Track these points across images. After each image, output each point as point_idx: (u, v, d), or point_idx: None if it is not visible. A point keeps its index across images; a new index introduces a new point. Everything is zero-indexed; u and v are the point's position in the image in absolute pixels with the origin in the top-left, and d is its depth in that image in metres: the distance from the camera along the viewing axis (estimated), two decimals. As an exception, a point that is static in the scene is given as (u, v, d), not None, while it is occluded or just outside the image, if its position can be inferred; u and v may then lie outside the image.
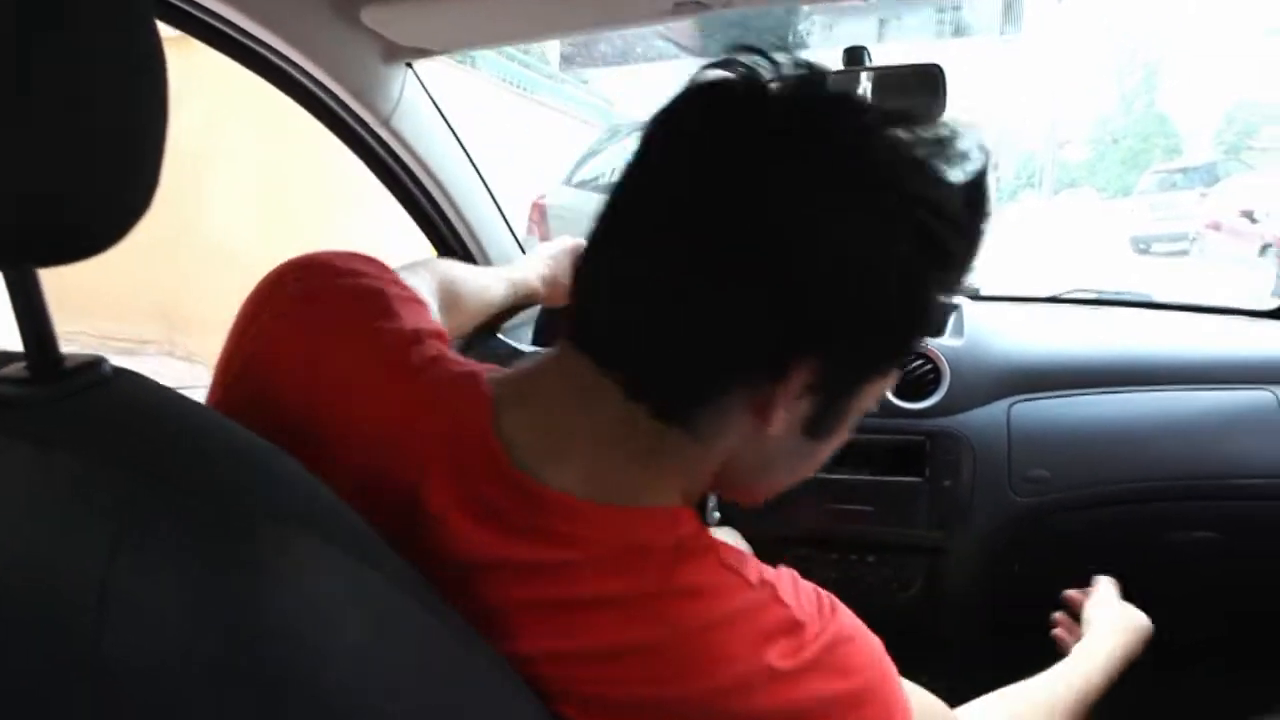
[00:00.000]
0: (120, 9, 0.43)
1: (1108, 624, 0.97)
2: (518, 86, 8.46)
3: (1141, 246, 12.46)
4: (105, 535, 0.39)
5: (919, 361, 1.45)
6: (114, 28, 0.42)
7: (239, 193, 6.49)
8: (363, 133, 1.36)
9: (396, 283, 0.66)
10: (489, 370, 0.60)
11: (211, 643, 0.39)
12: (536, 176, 5.67)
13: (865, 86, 1.23)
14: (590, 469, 0.54)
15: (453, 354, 0.62)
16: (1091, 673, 0.89)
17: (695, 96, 0.54)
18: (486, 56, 8.11)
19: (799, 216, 0.48)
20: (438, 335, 0.63)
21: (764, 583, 0.55)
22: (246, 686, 0.39)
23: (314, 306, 0.62)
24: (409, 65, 1.37)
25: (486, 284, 1.16)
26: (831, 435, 0.58)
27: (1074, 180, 23.57)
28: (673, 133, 0.54)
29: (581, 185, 5.59)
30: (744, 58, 0.53)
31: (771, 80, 0.52)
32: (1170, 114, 23.84)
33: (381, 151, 1.38)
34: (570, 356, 0.56)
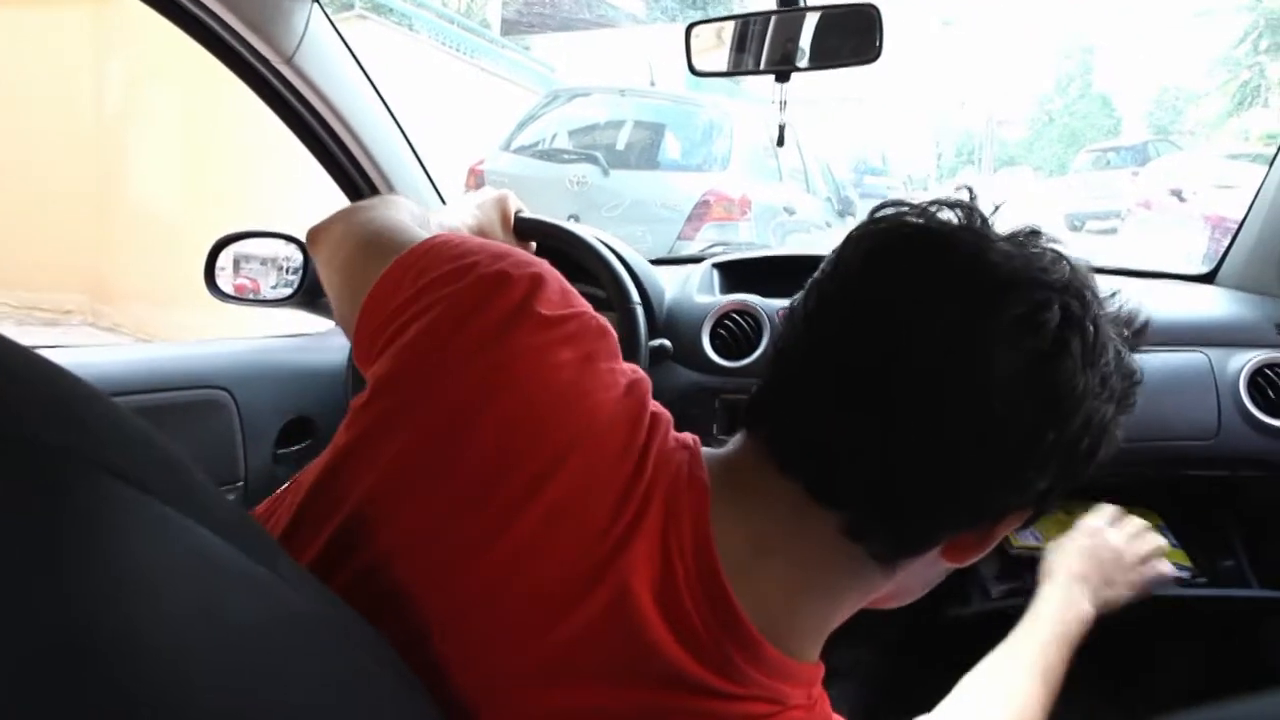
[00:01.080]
0: None
1: (1054, 594, 0.95)
2: (458, 50, 8.25)
3: (1076, 224, 12.72)
4: None
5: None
6: None
7: (164, 155, 6.24)
8: (264, 71, 1.26)
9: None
10: (695, 443, 0.59)
11: (10, 589, 0.35)
12: (476, 141, 5.55)
13: (805, 26, 1.17)
14: (779, 604, 0.55)
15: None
16: (1043, 644, 0.88)
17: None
18: (426, 19, 7.90)
19: (1056, 396, 0.52)
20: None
21: None
22: (48, 655, 0.35)
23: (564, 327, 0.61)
24: (315, 1, 1.27)
25: (415, 236, 1.07)
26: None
27: (1012, 158, 24.01)
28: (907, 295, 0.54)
29: (520, 151, 5.49)
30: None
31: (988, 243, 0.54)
32: (1106, 95, 24.38)
33: (285, 91, 1.29)
34: (775, 471, 0.55)
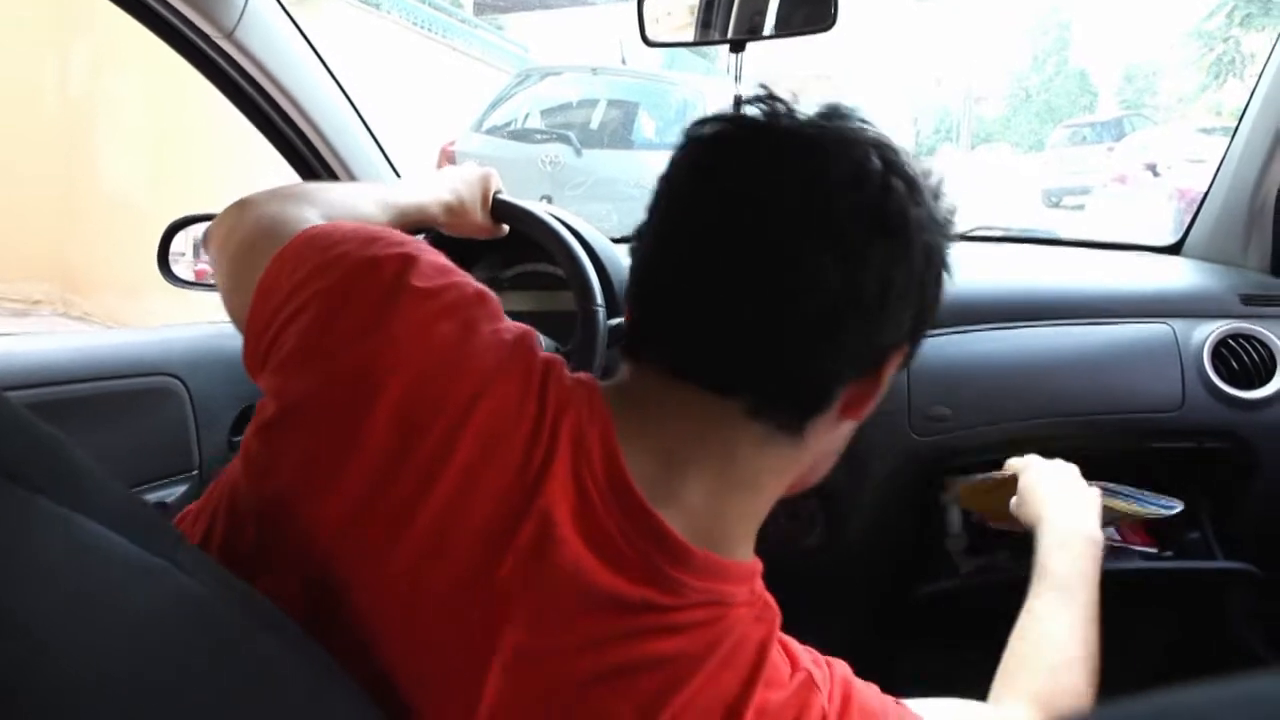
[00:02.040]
0: None
1: (1057, 528, 0.95)
2: (429, 30, 8.15)
3: (1053, 200, 12.78)
4: None
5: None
6: None
7: (131, 140, 6.13)
8: (204, 46, 1.22)
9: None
10: (591, 379, 0.62)
11: None
12: (448, 122, 5.49)
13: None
14: (702, 508, 0.57)
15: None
16: (1072, 598, 0.87)
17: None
18: (396, 0, 7.78)
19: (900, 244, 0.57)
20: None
21: (814, 663, 0.62)
22: None
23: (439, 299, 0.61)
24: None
25: (366, 213, 0.99)
26: (859, 416, 0.63)
27: (990, 135, 24.06)
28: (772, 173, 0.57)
29: (492, 131, 5.43)
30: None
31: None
32: (1082, 71, 24.45)
33: (227, 67, 1.25)
34: (669, 382, 0.58)
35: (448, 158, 5.15)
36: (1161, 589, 1.46)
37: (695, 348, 0.57)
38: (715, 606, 0.56)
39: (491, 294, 0.64)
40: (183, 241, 1.54)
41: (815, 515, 1.36)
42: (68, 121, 6.30)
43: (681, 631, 0.54)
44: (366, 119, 1.44)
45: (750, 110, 0.59)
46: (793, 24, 1.12)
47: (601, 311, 1.24)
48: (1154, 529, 1.34)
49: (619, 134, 5.45)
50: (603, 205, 4.74)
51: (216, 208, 1.45)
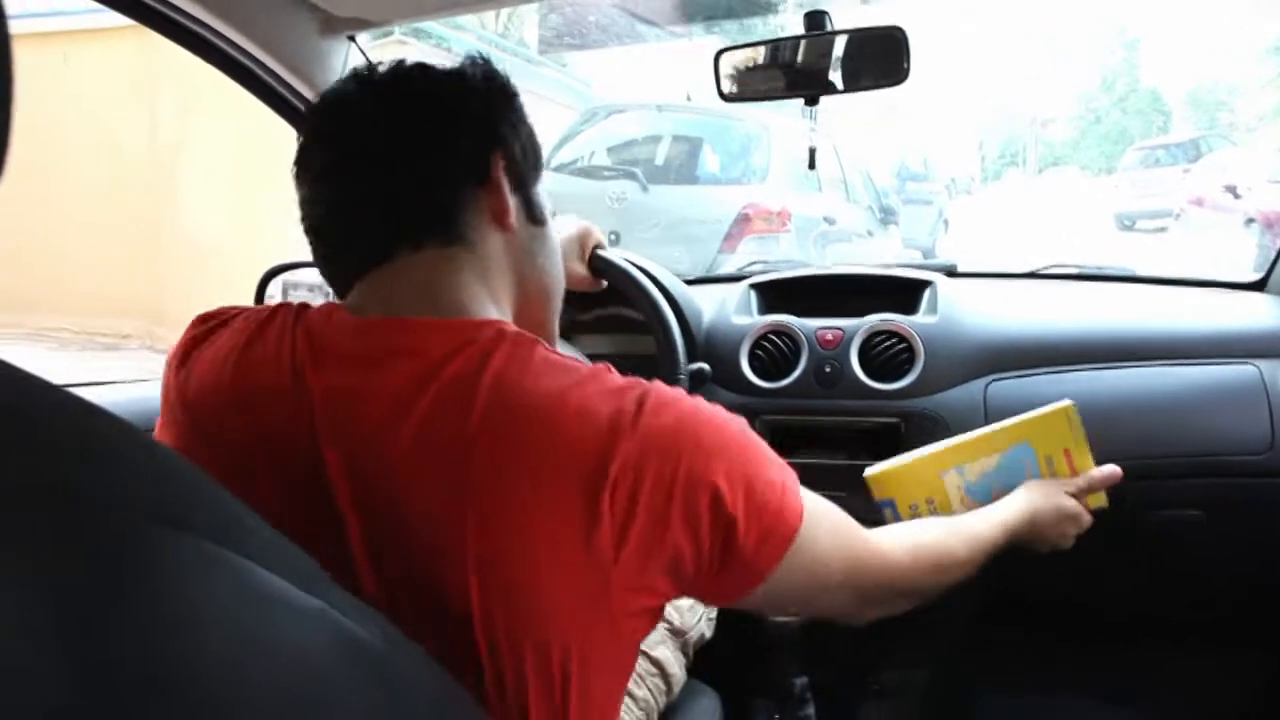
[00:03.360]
0: None
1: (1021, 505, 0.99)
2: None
3: (1126, 223, 12.44)
4: None
5: (892, 340, 1.39)
6: None
7: (214, 184, 6.41)
8: (300, 105, 1.29)
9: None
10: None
11: (72, 652, 0.35)
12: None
13: (834, 50, 1.18)
14: (419, 303, 0.70)
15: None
16: (1004, 519, 0.95)
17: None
18: (461, 40, 8.01)
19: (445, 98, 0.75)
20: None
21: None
22: (108, 700, 0.35)
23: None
24: (351, 39, 1.30)
25: None
26: (546, 221, 0.80)
27: (1058, 158, 23.60)
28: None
29: (559, 168, 5.53)
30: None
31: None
32: (1153, 91, 23.86)
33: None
34: (363, 281, 0.73)
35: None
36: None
37: (365, 232, 0.73)
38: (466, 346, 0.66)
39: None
40: (275, 287, 1.63)
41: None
42: (157, 166, 6.61)
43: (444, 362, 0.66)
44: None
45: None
46: (865, 78, 1.15)
47: (679, 339, 1.27)
48: None
49: (684, 169, 5.50)
50: (675, 248, 4.77)
51: (294, 251, 1.54)
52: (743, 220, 4.84)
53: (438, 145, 0.72)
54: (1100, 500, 1.06)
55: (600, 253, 1.26)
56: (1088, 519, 1.03)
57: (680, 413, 0.65)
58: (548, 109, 8.16)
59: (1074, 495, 1.03)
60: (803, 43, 1.18)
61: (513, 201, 0.74)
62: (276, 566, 0.43)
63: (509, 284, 0.76)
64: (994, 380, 1.37)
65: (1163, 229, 11.22)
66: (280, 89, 1.25)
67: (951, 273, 1.68)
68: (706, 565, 0.64)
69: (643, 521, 0.61)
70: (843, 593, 0.75)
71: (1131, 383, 1.35)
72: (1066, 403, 1.05)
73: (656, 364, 1.34)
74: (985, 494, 1.03)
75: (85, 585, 0.37)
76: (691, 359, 1.33)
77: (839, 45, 1.17)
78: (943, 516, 1.00)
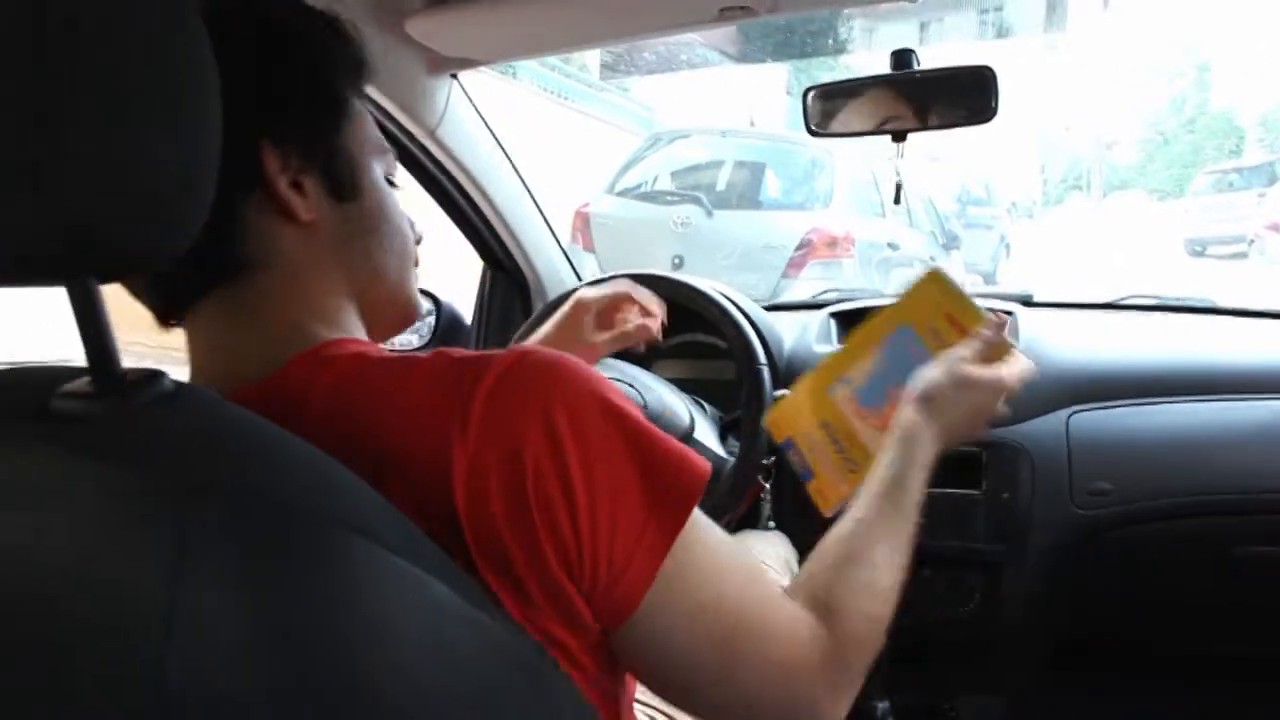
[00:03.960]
0: (168, 24, 0.43)
1: (912, 421, 0.79)
2: (558, 95, 8.51)
3: (1197, 249, 12.14)
4: (169, 554, 0.38)
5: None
6: (162, 42, 0.42)
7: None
8: (409, 144, 1.36)
9: None
10: None
11: (278, 659, 0.38)
12: (578, 185, 5.70)
13: (921, 88, 1.21)
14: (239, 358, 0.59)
15: None
16: (893, 458, 0.76)
17: None
18: (526, 66, 8.18)
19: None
20: None
21: None
22: (309, 705, 0.38)
23: None
24: (454, 76, 1.37)
25: None
26: (363, 191, 0.64)
27: (1124, 182, 23.10)
28: None
29: (624, 193, 5.60)
30: None
31: None
32: (1224, 113, 23.27)
33: (428, 163, 1.39)
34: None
35: (582, 219, 5.34)
36: None
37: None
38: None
39: None
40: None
41: (974, 585, 1.37)
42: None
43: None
44: (540, 205, 1.56)
45: None
46: (954, 117, 1.17)
47: (765, 370, 1.30)
48: None
49: (747, 194, 5.53)
50: (751, 275, 4.77)
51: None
52: (807, 245, 4.85)
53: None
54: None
55: (677, 277, 1.29)
56: (1009, 377, 0.83)
57: None
58: (610, 134, 8.27)
59: (972, 359, 0.82)
60: (891, 81, 1.22)
61: (308, 183, 0.60)
62: (444, 577, 0.46)
63: (330, 286, 0.63)
64: (1076, 412, 1.38)
65: (1239, 255, 10.92)
66: (389, 125, 1.32)
67: (1028, 302, 1.69)
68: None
69: None
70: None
71: (1214, 416, 1.35)
72: (933, 265, 0.92)
73: (737, 390, 1.38)
74: (879, 396, 0.88)
75: (291, 588, 0.40)
76: (775, 386, 1.36)
77: (926, 83, 1.20)
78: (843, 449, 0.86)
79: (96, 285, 0.44)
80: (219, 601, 0.37)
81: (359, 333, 0.64)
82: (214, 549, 0.39)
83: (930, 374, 0.82)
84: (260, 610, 0.38)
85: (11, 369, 0.54)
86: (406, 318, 0.70)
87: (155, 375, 0.46)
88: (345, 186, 0.62)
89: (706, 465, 0.57)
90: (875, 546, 0.70)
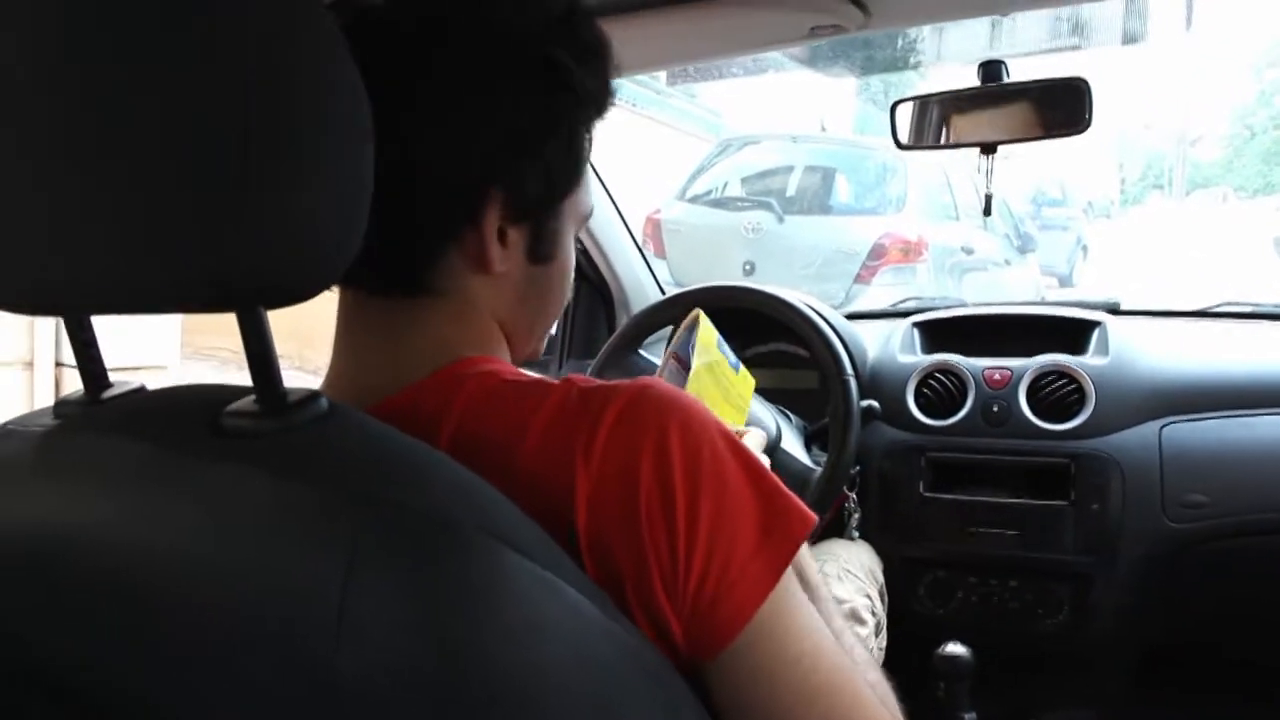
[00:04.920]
0: (325, 58, 0.46)
1: None
2: (628, 102, 8.56)
3: (1288, 249, 11.68)
4: (341, 560, 0.40)
5: (1061, 381, 1.40)
6: (320, 76, 0.46)
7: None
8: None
9: None
10: None
11: (433, 661, 0.41)
12: (648, 191, 5.72)
13: (1011, 99, 1.22)
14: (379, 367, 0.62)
15: None
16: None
17: None
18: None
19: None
20: None
21: None
22: (460, 704, 0.41)
23: None
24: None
25: None
26: (555, 257, 0.64)
27: (1207, 180, 22.28)
28: None
29: (695, 200, 5.62)
30: None
31: None
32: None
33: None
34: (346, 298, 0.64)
35: (654, 226, 5.37)
36: None
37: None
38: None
39: None
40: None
41: (1063, 597, 1.37)
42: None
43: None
44: (627, 221, 1.60)
45: None
46: (1045, 128, 1.18)
47: (853, 381, 1.31)
48: None
49: (818, 199, 5.50)
50: (831, 284, 4.73)
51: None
52: (880, 251, 4.81)
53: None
54: None
55: (762, 288, 1.30)
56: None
57: None
58: (679, 140, 8.28)
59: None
60: (980, 93, 1.22)
61: (512, 235, 0.61)
62: (583, 589, 0.48)
63: (491, 322, 0.65)
64: (1169, 423, 1.36)
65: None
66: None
67: (1116, 310, 1.67)
68: None
69: None
70: None
71: None
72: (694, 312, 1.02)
73: (820, 399, 1.40)
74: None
75: (444, 595, 0.42)
76: (861, 396, 1.37)
77: (1017, 95, 1.20)
78: None
79: (264, 313, 0.47)
80: (381, 605, 0.40)
81: (501, 353, 0.66)
82: (377, 558, 0.42)
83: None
84: (416, 614, 0.41)
85: (176, 388, 0.58)
86: (536, 354, 0.73)
87: (313, 396, 0.49)
88: (546, 249, 0.63)
89: (812, 515, 0.57)
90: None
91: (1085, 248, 11.19)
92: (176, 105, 0.42)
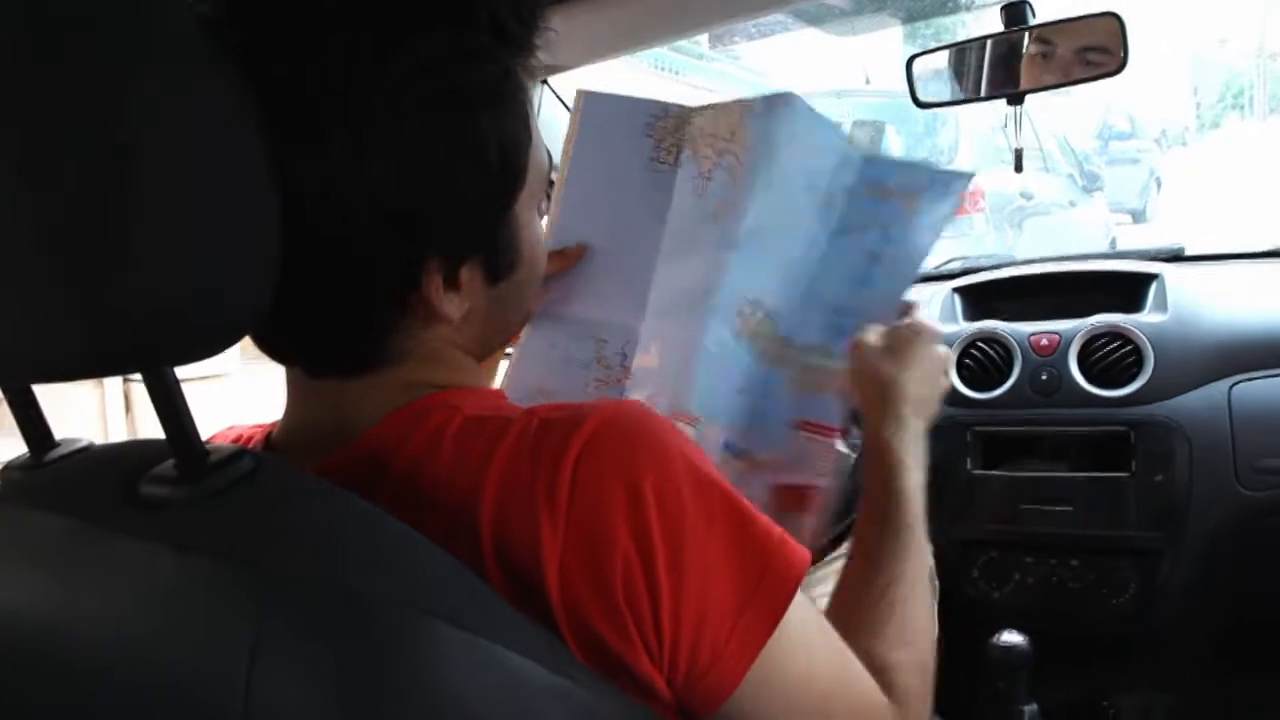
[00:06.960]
0: (225, 115, 0.44)
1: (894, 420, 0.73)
2: (669, 71, 8.44)
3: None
4: (245, 639, 0.39)
5: (1116, 343, 1.30)
6: (220, 126, 0.44)
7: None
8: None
9: None
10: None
11: None
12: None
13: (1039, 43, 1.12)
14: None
15: None
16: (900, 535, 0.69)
17: None
18: (637, 46, 8.14)
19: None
20: None
21: None
22: None
23: None
24: (544, 82, 1.36)
25: None
26: (519, 263, 0.59)
27: (1292, 97, 21.08)
28: None
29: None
30: None
31: None
32: None
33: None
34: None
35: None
36: None
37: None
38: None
39: None
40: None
41: (1129, 576, 1.27)
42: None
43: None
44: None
45: None
46: (1076, 72, 1.08)
47: None
48: None
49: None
50: None
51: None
52: (933, 204, 4.64)
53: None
54: None
55: None
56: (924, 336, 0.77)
57: None
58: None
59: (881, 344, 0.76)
60: (1003, 39, 1.13)
61: (464, 272, 0.55)
62: (523, 648, 0.45)
63: (458, 351, 0.60)
64: (1239, 381, 1.25)
65: None
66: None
67: (1178, 257, 1.55)
68: None
69: None
70: None
71: None
72: None
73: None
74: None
75: (360, 674, 0.40)
76: None
77: (1043, 38, 1.11)
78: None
79: (171, 371, 0.45)
80: (290, 689, 0.39)
81: (470, 377, 0.61)
82: (288, 644, 0.39)
83: (873, 367, 0.75)
84: (329, 697, 0.39)
85: (115, 447, 0.57)
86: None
87: (236, 455, 0.47)
88: (507, 260, 0.58)
89: (806, 554, 0.53)
90: (894, 586, 0.65)
91: (1159, 180, 10.73)
92: (33, 170, 0.41)
